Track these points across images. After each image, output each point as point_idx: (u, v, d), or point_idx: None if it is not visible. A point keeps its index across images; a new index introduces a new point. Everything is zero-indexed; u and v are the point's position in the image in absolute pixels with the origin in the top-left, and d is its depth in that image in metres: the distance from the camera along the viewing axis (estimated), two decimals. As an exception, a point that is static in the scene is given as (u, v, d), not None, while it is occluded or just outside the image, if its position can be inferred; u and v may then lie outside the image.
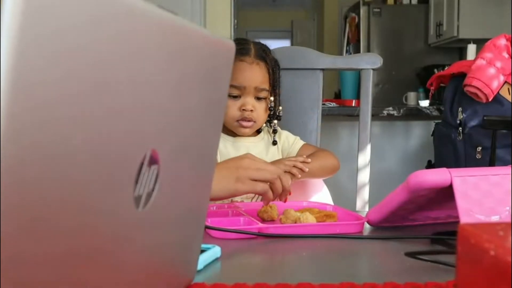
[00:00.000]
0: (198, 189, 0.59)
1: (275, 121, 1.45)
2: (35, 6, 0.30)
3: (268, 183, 1.05)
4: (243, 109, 1.35)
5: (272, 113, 1.43)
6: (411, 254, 0.73)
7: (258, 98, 1.37)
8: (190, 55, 0.51)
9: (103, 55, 0.37)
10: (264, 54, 1.40)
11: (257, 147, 1.42)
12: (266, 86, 1.39)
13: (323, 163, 1.36)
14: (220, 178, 1.02)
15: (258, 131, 1.45)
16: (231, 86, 1.32)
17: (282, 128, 1.51)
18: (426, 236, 0.89)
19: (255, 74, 1.36)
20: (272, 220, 1.04)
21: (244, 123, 1.36)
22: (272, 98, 1.42)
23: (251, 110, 1.35)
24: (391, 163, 3.40)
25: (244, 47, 1.38)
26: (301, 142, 1.46)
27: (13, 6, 0.29)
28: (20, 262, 0.34)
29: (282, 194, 1.08)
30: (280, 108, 1.45)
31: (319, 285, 0.64)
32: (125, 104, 0.41)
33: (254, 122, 1.37)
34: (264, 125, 1.46)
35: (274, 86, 1.42)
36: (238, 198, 1.32)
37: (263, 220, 1.03)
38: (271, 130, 1.46)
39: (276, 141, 1.45)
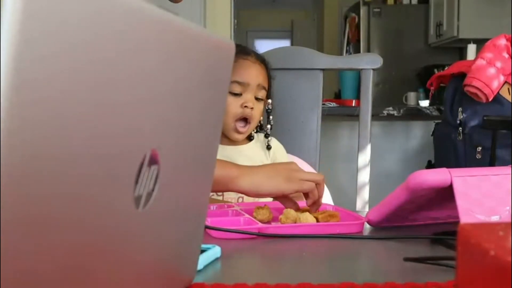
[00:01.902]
0: (198, 189, 0.59)
1: (269, 126, 1.45)
2: (35, 5, 0.30)
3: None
4: (245, 106, 1.35)
5: (268, 116, 1.43)
6: (410, 259, 0.73)
7: (257, 99, 1.38)
8: (190, 55, 0.51)
9: (103, 55, 0.37)
10: (262, 58, 1.43)
11: (252, 152, 1.42)
12: (266, 86, 1.40)
13: None
14: (269, 177, 1.10)
15: (250, 139, 1.45)
16: (235, 82, 1.33)
17: (282, 128, 1.51)
18: (426, 236, 0.89)
19: (258, 72, 1.38)
20: (268, 222, 1.03)
21: (240, 128, 1.36)
22: (270, 101, 1.42)
23: (252, 108, 1.35)
24: (391, 163, 3.40)
25: (244, 48, 1.40)
26: None
27: (13, 5, 0.29)
28: (20, 261, 0.34)
29: (317, 203, 1.11)
30: (271, 117, 1.46)
31: (319, 285, 0.64)
32: (125, 104, 0.41)
33: (249, 124, 1.37)
34: (255, 132, 1.46)
35: (270, 91, 1.44)
36: (233, 198, 1.32)
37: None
38: (261, 136, 1.46)
39: (270, 145, 1.45)
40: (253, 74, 1.37)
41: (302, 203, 1.16)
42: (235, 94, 1.35)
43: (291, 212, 1.00)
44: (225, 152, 1.37)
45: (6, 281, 0.32)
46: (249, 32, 9.41)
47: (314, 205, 1.11)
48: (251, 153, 1.42)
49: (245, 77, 1.35)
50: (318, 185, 1.10)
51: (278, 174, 1.10)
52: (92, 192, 0.38)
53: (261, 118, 1.42)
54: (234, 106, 1.35)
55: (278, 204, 1.10)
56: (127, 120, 0.41)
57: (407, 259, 0.72)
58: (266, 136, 1.45)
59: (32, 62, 0.31)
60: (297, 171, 1.12)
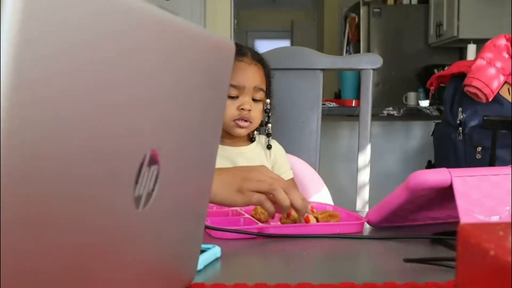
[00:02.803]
0: (198, 189, 0.59)
1: (270, 125, 1.45)
2: (35, 5, 0.30)
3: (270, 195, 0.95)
4: (242, 109, 1.35)
5: (268, 116, 1.43)
6: (410, 260, 0.72)
7: (255, 100, 1.37)
8: (190, 55, 0.51)
9: (103, 55, 0.37)
10: (260, 57, 1.42)
11: (253, 153, 1.42)
12: (263, 87, 1.39)
13: None
14: (224, 184, 0.97)
15: (252, 140, 1.45)
16: (230, 86, 1.32)
17: (282, 128, 1.51)
18: (426, 236, 0.89)
19: (253, 74, 1.37)
20: (267, 221, 1.02)
21: (241, 123, 1.36)
22: (268, 101, 1.42)
23: (249, 110, 1.35)
24: (391, 163, 3.40)
25: (241, 49, 1.38)
26: (291, 175, 1.45)
27: (13, 5, 0.29)
28: (20, 261, 0.34)
29: (296, 210, 0.95)
30: (270, 114, 1.45)
31: (319, 285, 0.64)
32: (125, 104, 0.41)
33: (251, 122, 1.37)
34: (257, 133, 1.46)
35: (269, 90, 1.43)
36: None
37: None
38: (262, 139, 1.46)
39: (270, 145, 1.45)
40: (249, 77, 1.36)
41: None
42: (232, 97, 1.35)
43: (291, 212, 0.99)
44: (225, 152, 1.37)
45: (6, 281, 0.32)
46: (249, 32, 9.41)
47: (284, 210, 0.94)
48: (251, 155, 1.42)
49: (240, 80, 1.34)
50: (275, 193, 0.93)
51: (231, 183, 0.97)
52: (92, 192, 0.38)
53: (262, 118, 1.42)
54: (231, 108, 1.35)
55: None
56: (127, 120, 0.41)
57: (407, 260, 0.72)
58: (268, 135, 1.45)
59: (32, 62, 0.31)
60: (249, 181, 0.96)
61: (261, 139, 1.47)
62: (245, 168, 1.04)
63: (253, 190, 0.95)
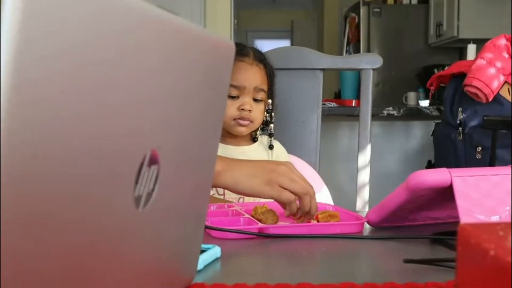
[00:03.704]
0: (198, 189, 0.59)
1: (272, 125, 1.45)
2: (35, 5, 0.30)
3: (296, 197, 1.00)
4: (242, 109, 1.35)
5: (269, 116, 1.43)
6: (410, 261, 0.72)
7: (256, 100, 1.37)
8: (190, 55, 0.51)
9: (102, 55, 0.37)
10: (262, 57, 1.41)
11: (255, 154, 1.42)
12: (265, 87, 1.39)
13: None
14: (252, 175, 1.01)
15: (254, 140, 1.45)
16: (230, 86, 1.32)
17: (282, 128, 1.51)
18: (426, 236, 0.89)
19: (254, 75, 1.37)
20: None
21: (242, 121, 1.36)
22: (270, 101, 1.42)
23: (249, 110, 1.35)
24: (391, 163, 3.40)
25: (242, 49, 1.38)
26: None
27: (13, 5, 0.29)
28: (20, 261, 0.34)
29: (307, 215, 1.01)
30: (273, 114, 1.45)
31: (319, 285, 0.64)
32: (125, 105, 0.41)
33: (251, 122, 1.37)
34: (259, 133, 1.46)
35: (271, 90, 1.43)
36: (234, 198, 1.32)
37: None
38: (265, 140, 1.46)
39: (272, 145, 1.45)
40: (250, 78, 1.36)
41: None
42: (232, 97, 1.35)
43: (270, 212, 1.00)
44: (227, 151, 1.37)
45: (6, 281, 0.32)
46: (249, 32, 9.41)
47: (306, 216, 1.00)
48: (253, 155, 1.42)
49: (241, 80, 1.35)
50: (303, 198, 0.99)
51: (259, 174, 1.01)
52: (92, 192, 0.38)
53: (264, 118, 1.42)
54: (232, 108, 1.35)
55: (277, 204, 1.10)
56: (127, 120, 0.41)
57: (407, 261, 0.72)
58: (270, 135, 1.45)
59: (32, 62, 0.31)
60: (280, 175, 1.00)
61: (263, 139, 1.47)
62: (273, 162, 1.08)
63: (286, 188, 0.99)
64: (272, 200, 1.03)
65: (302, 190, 0.99)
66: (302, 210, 1.00)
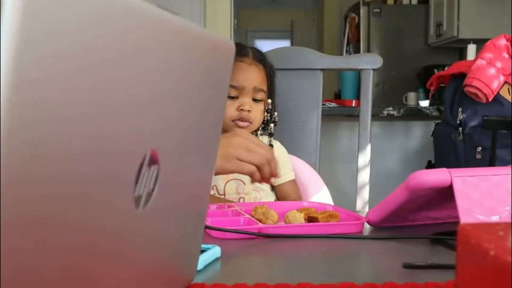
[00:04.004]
0: (198, 189, 0.59)
1: (272, 125, 1.45)
2: (35, 5, 0.30)
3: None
4: (241, 109, 1.35)
5: (269, 116, 1.43)
6: (409, 266, 0.72)
7: (255, 100, 1.37)
8: (190, 55, 0.51)
9: (103, 55, 0.37)
10: (262, 57, 1.41)
11: None
12: (264, 87, 1.39)
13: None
14: None
15: None
16: (230, 86, 1.32)
17: (282, 128, 1.51)
18: (426, 236, 0.89)
19: (254, 75, 1.37)
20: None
21: (241, 123, 1.36)
22: (269, 101, 1.42)
23: (249, 111, 1.35)
24: (391, 163, 3.40)
25: (242, 49, 1.38)
26: (292, 177, 1.45)
27: (13, 5, 0.29)
28: (20, 261, 0.34)
29: (271, 178, 1.04)
30: (276, 113, 1.45)
31: (319, 285, 0.64)
32: (125, 104, 0.41)
33: (251, 123, 1.37)
34: (260, 133, 1.46)
35: (271, 90, 1.43)
36: (234, 198, 1.32)
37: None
38: (265, 140, 1.46)
39: (272, 145, 1.45)
40: (249, 78, 1.36)
41: (300, 203, 1.16)
42: (232, 97, 1.35)
43: (270, 212, 1.00)
44: None
45: (6, 281, 0.32)
46: (249, 32, 9.41)
47: (268, 179, 1.02)
48: None
49: (240, 80, 1.34)
50: (262, 169, 0.99)
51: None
52: (92, 192, 0.38)
53: (264, 118, 1.42)
54: (231, 109, 1.35)
55: (278, 205, 1.10)
56: (127, 120, 0.41)
57: (406, 266, 0.72)
58: (270, 135, 1.45)
59: (32, 62, 0.31)
60: (237, 149, 0.99)
61: (263, 139, 1.47)
62: (227, 135, 1.04)
63: (243, 161, 0.99)
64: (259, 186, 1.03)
65: (260, 160, 0.99)
66: (264, 177, 1.01)
